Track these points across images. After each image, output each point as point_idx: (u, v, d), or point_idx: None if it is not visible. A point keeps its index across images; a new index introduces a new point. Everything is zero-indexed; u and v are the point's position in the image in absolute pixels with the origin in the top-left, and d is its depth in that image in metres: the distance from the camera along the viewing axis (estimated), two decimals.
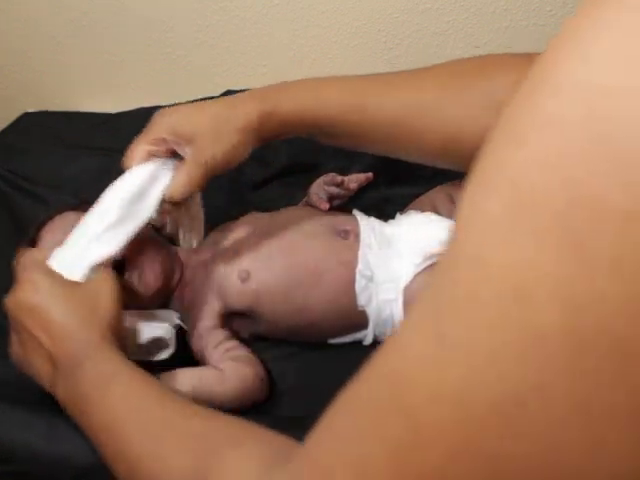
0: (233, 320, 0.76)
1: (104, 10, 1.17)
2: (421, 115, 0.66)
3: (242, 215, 0.84)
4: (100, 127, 1.05)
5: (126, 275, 0.73)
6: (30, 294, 0.59)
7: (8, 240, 0.78)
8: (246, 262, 0.75)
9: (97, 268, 0.63)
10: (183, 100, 1.11)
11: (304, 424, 0.66)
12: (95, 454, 0.59)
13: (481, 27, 1.09)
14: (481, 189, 0.22)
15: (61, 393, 0.56)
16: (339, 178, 0.86)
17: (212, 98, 1.13)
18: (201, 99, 1.13)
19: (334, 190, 0.86)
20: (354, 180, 0.87)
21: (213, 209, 0.87)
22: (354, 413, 0.27)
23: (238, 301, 0.75)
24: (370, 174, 0.88)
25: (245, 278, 0.74)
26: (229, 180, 0.92)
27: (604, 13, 0.19)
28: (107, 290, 0.61)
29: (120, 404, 0.50)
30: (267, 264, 0.75)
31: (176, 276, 0.77)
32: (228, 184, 0.93)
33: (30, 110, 1.15)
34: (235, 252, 0.76)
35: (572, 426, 0.19)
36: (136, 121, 1.04)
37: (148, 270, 0.74)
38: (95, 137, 1.03)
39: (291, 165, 0.99)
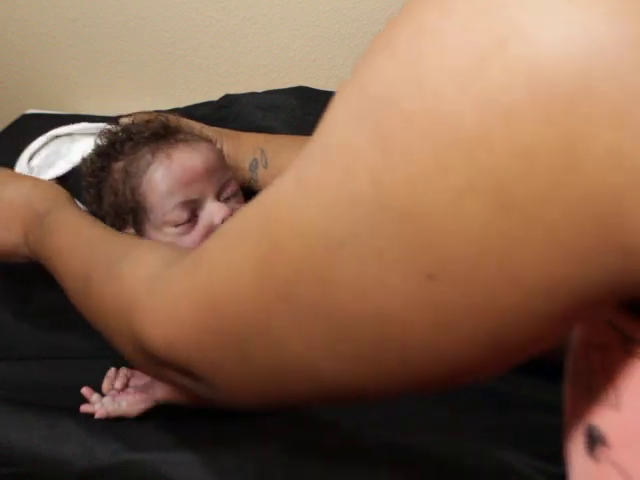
0: None
1: (104, 11, 1.17)
2: None
3: None
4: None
5: None
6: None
7: None
8: None
9: None
10: (183, 100, 1.11)
11: (305, 424, 0.67)
12: (97, 456, 0.60)
13: None
14: (343, 90, 0.27)
15: (31, 244, 0.68)
16: None
17: (212, 99, 1.13)
18: (201, 99, 1.14)
19: None
20: None
21: None
22: (238, 229, 0.34)
23: None
24: None
25: None
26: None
27: None
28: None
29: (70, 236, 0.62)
30: None
31: None
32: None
33: (29, 111, 1.16)
34: None
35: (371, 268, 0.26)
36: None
37: None
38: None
39: None
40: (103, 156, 0.78)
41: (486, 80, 0.21)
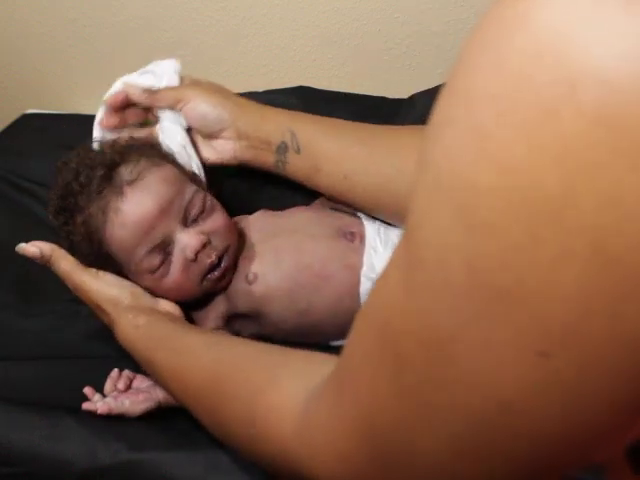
0: (235, 320, 0.77)
1: (104, 11, 1.17)
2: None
3: (250, 213, 0.84)
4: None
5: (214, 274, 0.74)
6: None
7: (8, 239, 0.78)
8: (254, 265, 0.76)
9: None
10: None
11: None
12: (98, 456, 0.60)
13: None
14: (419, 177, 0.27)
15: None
16: None
17: None
18: None
19: None
20: None
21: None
22: (363, 343, 0.33)
23: (245, 303, 0.75)
24: None
25: (252, 280, 0.74)
26: (238, 179, 0.92)
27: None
28: None
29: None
30: (274, 267, 0.75)
31: None
32: (237, 183, 0.93)
33: (29, 111, 1.15)
34: (243, 255, 0.77)
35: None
36: None
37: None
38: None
39: None
40: (62, 212, 0.74)
41: (560, 133, 0.20)
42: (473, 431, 0.28)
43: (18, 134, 1.06)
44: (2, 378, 0.70)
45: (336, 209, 0.83)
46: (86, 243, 0.71)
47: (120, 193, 0.70)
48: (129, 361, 0.66)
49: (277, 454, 0.43)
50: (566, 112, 0.20)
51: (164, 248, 0.71)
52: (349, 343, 0.35)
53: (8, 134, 1.07)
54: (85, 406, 0.64)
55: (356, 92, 1.05)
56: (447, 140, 0.24)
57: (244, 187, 0.93)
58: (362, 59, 1.15)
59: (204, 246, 0.71)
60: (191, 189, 0.73)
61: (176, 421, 0.65)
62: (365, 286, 0.74)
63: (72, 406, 0.65)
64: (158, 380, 0.62)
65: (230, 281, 0.75)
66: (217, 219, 0.74)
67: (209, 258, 0.71)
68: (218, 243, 0.72)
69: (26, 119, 1.09)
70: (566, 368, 0.23)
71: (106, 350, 0.73)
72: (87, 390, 0.66)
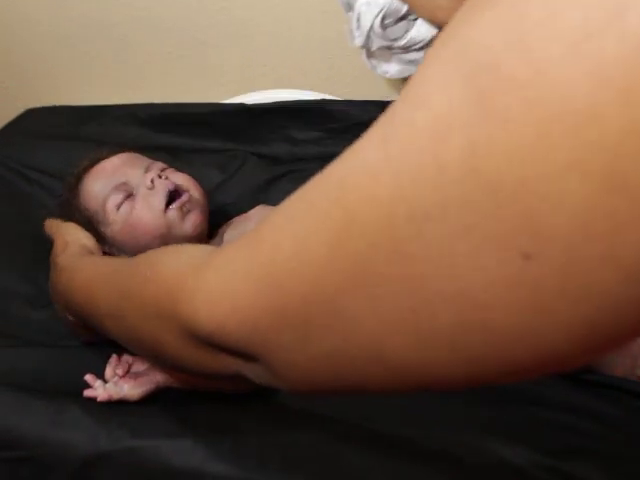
0: None
1: (105, 11, 1.18)
2: None
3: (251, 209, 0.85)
4: (102, 119, 1.06)
5: (175, 204, 0.80)
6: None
7: (17, 227, 0.80)
8: None
9: None
10: (183, 100, 1.12)
11: (310, 412, 0.67)
12: (101, 442, 0.61)
13: None
14: (433, 53, 0.26)
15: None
16: None
17: (212, 99, 1.14)
18: (201, 99, 1.14)
19: None
20: None
21: (224, 207, 0.88)
22: (304, 202, 0.31)
23: None
24: None
25: None
26: (240, 179, 0.93)
27: None
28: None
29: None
30: None
31: None
32: (239, 183, 0.94)
33: (33, 106, 1.16)
34: None
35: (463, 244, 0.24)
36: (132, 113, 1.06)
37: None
38: (97, 129, 1.05)
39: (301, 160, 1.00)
40: (65, 205, 0.86)
41: (601, 53, 0.20)
42: (425, 313, 0.26)
43: (24, 127, 1.07)
44: (8, 365, 0.71)
45: None
46: (78, 218, 0.82)
47: (95, 164, 0.84)
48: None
49: (166, 302, 0.42)
50: (611, 33, 0.20)
51: (127, 190, 0.80)
52: (284, 203, 0.33)
53: (14, 127, 1.08)
54: (86, 393, 0.65)
55: (356, 93, 1.06)
56: (484, 21, 0.23)
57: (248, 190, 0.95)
58: (362, 59, 1.16)
59: (160, 177, 0.80)
60: (157, 163, 0.85)
61: (177, 409, 0.66)
62: None
63: (77, 393, 0.65)
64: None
65: (200, 221, 0.80)
66: (180, 175, 0.84)
67: (166, 186, 0.79)
68: (179, 183, 0.81)
69: (30, 113, 1.10)
70: (546, 274, 0.23)
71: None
72: (88, 377, 0.66)
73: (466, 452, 0.63)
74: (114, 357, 0.68)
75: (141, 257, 0.51)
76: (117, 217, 0.79)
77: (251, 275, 0.33)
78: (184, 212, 0.78)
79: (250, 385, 0.40)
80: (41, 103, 1.14)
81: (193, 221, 0.79)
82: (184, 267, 0.41)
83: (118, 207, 0.79)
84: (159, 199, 0.79)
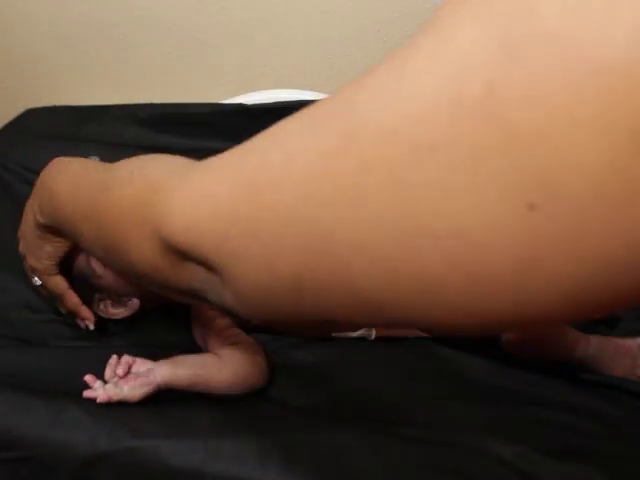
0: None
1: (105, 11, 1.18)
2: None
3: None
4: (102, 119, 1.06)
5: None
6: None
7: (16, 229, 0.79)
8: None
9: None
10: (183, 100, 1.12)
11: (310, 411, 0.67)
12: (101, 442, 0.61)
13: None
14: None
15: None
16: None
17: (213, 99, 1.14)
18: (201, 99, 1.14)
19: None
20: None
21: None
22: (305, 118, 0.30)
23: None
24: None
25: None
26: None
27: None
28: None
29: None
30: None
31: None
32: None
33: (33, 106, 1.16)
34: None
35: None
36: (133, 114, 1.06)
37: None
38: (98, 129, 1.05)
39: None
40: None
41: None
42: (411, 244, 0.25)
43: (24, 127, 1.07)
44: (8, 365, 0.71)
45: None
46: None
47: None
48: (132, 350, 0.68)
49: (143, 201, 0.41)
50: None
51: None
52: (285, 119, 0.32)
53: (14, 127, 1.08)
54: (86, 394, 0.65)
55: None
56: None
57: None
58: (362, 59, 1.16)
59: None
60: None
61: (177, 409, 0.66)
62: None
63: (77, 394, 0.65)
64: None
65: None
66: None
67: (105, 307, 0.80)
68: None
69: (30, 113, 1.10)
70: (549, 227, 0.22)
71: (111, 340, 0.76)
72: (88, 378, 0.66)
73: (466, 452, 0.63)
74: (114, 358, 0.68)
75: (127, 160, 0.50)
76: (105, 270, 0.78)
77: (234, 183, 0.32)
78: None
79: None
80: (41, 103, 1.14)
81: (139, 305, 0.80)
82: (172, 168, 0.40)
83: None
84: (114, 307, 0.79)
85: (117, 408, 0.65)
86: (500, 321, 0.25)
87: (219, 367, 0.69)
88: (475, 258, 0.24)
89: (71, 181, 0.57)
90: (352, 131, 0.26)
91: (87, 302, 0.78)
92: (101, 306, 0.80)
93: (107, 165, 0.55)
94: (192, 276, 0.38)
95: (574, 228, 0.21)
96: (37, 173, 0.97)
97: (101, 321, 0.81)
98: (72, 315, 0.78)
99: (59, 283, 0.74)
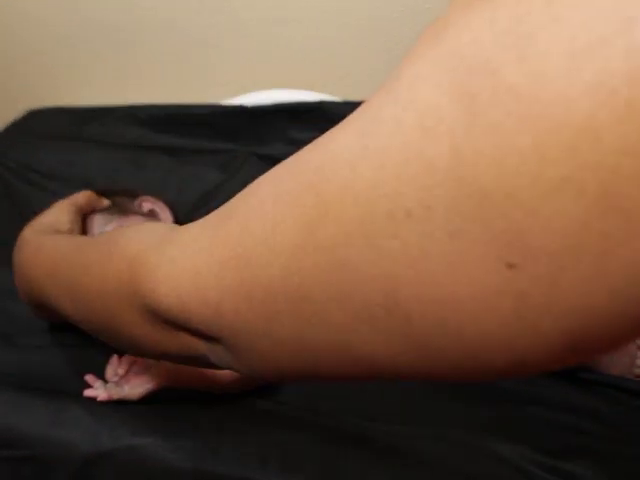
0: None
1: (105, 11, 1.18)
2: None
3: None
4: (103, 119, 1.07)
5: None
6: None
7: (16, 229, 0.79)
8: None
9: None
10: (186, 100, 1.12)
11: (311, 410, 0.67)
12: (102, 441, 0.61)
13: None
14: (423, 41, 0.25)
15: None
16: None
17: (213, 99, 1.14)
18: (201, 99, 1.14)
19: None
20: None
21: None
22: (277, 185, 0.30)
23: None
24: None
25: None
26: (240, 179, 0.93)
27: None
28: None
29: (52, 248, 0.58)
30: None
31: None
32: (239, 183, 0.94)
33: (33, 107, 1.16)
34: None
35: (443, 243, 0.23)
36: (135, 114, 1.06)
37: None
38: (99, 130, 1.05)
39: None
40: None
41: (605, 65, 0.19)
42: (397, 311, 0.25)
43: (26, 128, 1.07)
44: (8, 365, 0.71)
45: None
46: None
47: None
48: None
49: (125, 279, 0.40)
50: (617, 46, 0.19)
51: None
52: (256, 182, 0.32)
53: (16, 129, 1.08)
54: (86, 393, 0.65)
55: (356, 93, 1.06)
56: (480, 20, 0.22)
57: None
58: (362, 59, 1.16)
59: None
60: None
61: (177, 409, 0.66)
62: None
63: (77, 393, 0.66)
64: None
65: None
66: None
67: None
68: None
69: (32, 115, 1.10)
70: (530, 284, 0.22)
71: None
72: (89, 377, 0.67)
73: (466, 452, 0.63)
74: (115, 357, 0.68)
75: (105, 234, 0.49)
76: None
77: (216, 255, 0.32)
78: None
79: (221, 383, 0.39)
80: (41, 104, 1.14)
81: None
82: (147, 241, 0.40)
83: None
84: None
85: (118, 407, 0.65)
86: (499, 372, 0.26)
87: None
88: (462, 321, 0.24)
89: (48, 265, 0.57)
90: (328, 200, 0.26)
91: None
92: None
93: (80, 241, 0.56)
94: (191, 344, 0.38)
95: (556, 283, 0.22)
96: (39, 173, 0.97)
97: None
98: None
99: None
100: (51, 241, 0.61)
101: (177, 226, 0.40)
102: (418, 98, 0.23)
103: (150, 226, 0.43)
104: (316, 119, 1.03)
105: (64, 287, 0.52)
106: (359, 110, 0.27)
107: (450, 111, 0.22)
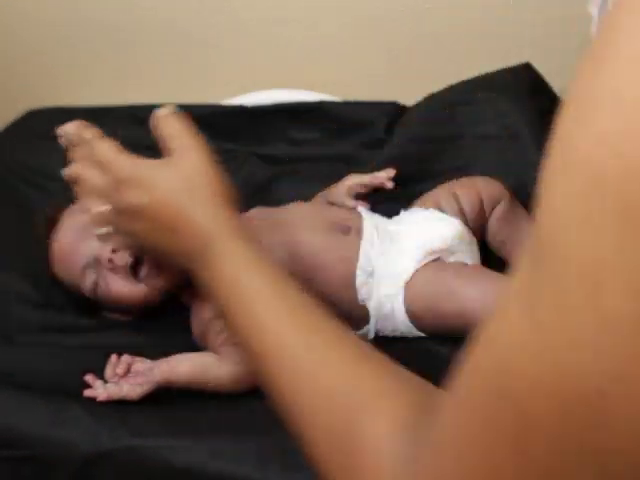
0: None
1: (105, 11, 1.18)
2: None
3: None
4: (103, 119, 1.07)
5: (143, 270, 0.77)
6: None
7: (16, 230, 0.80)
8: None
9: None
10: (186, 100, 1.12)
11: None
12: (102, 441, 0.61)
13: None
14: (556, 173, 0.22)
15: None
16: (366, 179, 0.86)
17: (213, 99, 1.14)
18: (202, 99, 1.14)
19: (361, 191, 0.86)
20: (378, 178, 0.87)
21: None
22: (469, 384, 0.27)
23: None
24: (392, 170, 0.88)
25: None
26: (240, 179, 0.93)
27: None
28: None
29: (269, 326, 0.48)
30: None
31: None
32: (239, 183, 0.94)
33: (33, 107, 1.16)
34: None
35: None
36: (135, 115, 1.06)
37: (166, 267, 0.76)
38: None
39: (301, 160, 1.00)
40: None
41: None
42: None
43: (25, 128, 1.07)
44: (8, 365, 0.71)
45: (333, 203, 0.85)
46: None
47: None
48: (132, 350, 0.69)
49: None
50: None
51: (94, 266, 0.77)
52: (453, 396, 0.29)
53: (16, 129, 1.08)
54: (86, 393, 0.65)
55: (356, 93, 1.06)
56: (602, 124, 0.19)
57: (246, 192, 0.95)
58: (362, 59, 1.16)
59: (114, 251, 0.76)
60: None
61: (178, 408, 0.66)
62: (360, 278, 0.75)
63: (78, 393, 0.66)
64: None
65: (172, 276, 0.77)
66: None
67: (122, 260, 0.76)
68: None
69: (32, 115, 1.10)
70: None
71: (112, 339, 0.76)
72: (88, 377, 0.67)
73: None
74: (114, 357, 0.69)
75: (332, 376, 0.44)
76: (98, 297, 0.78)
77: None
78: (152, 277, 0.77)
79: None
80: (41, 104, 1.14)
81: (165, 279, 0.78)
82: (386, 457, 0.35)
83: (94, 290, 0.77)
84: (125, 274, 0.77)
85: (117, 407, 0.65)
86: None
87: (218, 366, 0.69)
88: None
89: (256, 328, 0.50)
90: (520, 407, 0.23)
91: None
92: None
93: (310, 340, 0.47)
94: None
95: None
96: (40, 174, 0.97)
97: (101, 317, 0.81)
98: None
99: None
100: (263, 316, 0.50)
101: (413, 414, 0.37)
102: (574, 254, 0.21)
103: (388, 418, 0.38)
104: (316, 119, 1.02)
105: (274, 379, 0.48)
106: (517, 271, 0.24)
107: (616, 259, 0.19)
